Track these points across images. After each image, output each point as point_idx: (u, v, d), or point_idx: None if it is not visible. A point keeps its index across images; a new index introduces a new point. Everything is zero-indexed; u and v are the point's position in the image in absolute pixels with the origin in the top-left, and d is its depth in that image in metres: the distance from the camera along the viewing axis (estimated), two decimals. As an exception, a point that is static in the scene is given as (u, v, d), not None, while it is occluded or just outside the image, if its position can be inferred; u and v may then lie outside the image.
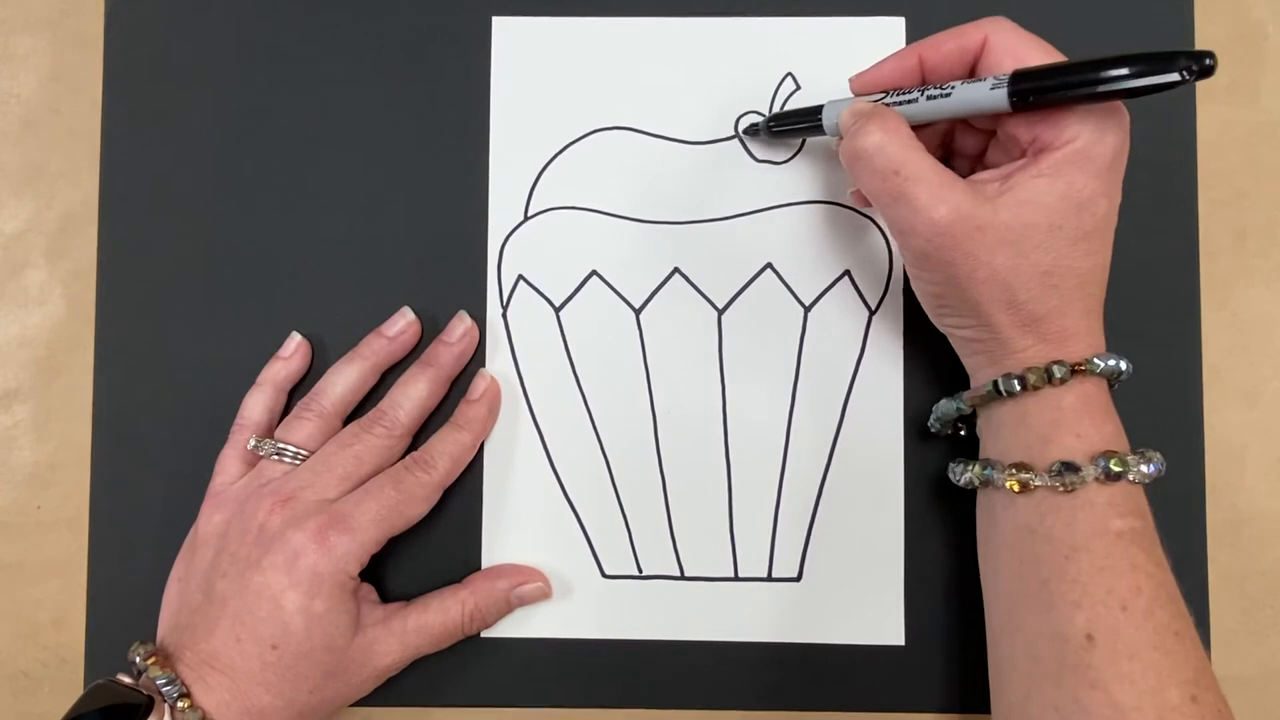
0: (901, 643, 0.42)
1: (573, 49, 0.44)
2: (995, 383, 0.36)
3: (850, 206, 0.43)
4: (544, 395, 0.43)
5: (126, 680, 0.37)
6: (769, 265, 0.43)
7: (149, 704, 0.35)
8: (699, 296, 0.43)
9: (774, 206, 0.43)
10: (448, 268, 0.44)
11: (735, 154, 0.43)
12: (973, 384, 0.38)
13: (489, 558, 0.43)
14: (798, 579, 0.42)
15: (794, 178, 0.43)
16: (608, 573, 0.43)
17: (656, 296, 0.43)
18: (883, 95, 0.37)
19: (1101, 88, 0.32)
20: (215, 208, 0.44)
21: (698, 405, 0.43)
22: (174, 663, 0.37)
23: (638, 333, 0.43)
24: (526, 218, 0.44)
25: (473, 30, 0.44)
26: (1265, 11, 0.44)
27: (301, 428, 0.41)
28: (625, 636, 0.42)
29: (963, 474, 0.38)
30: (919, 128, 0.37)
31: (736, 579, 0.43)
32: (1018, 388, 0.35)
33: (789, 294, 0.43)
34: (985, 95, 0.34)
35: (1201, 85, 0.43)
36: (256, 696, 0.37)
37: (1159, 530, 0.35)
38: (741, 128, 0.43)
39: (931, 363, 0.43)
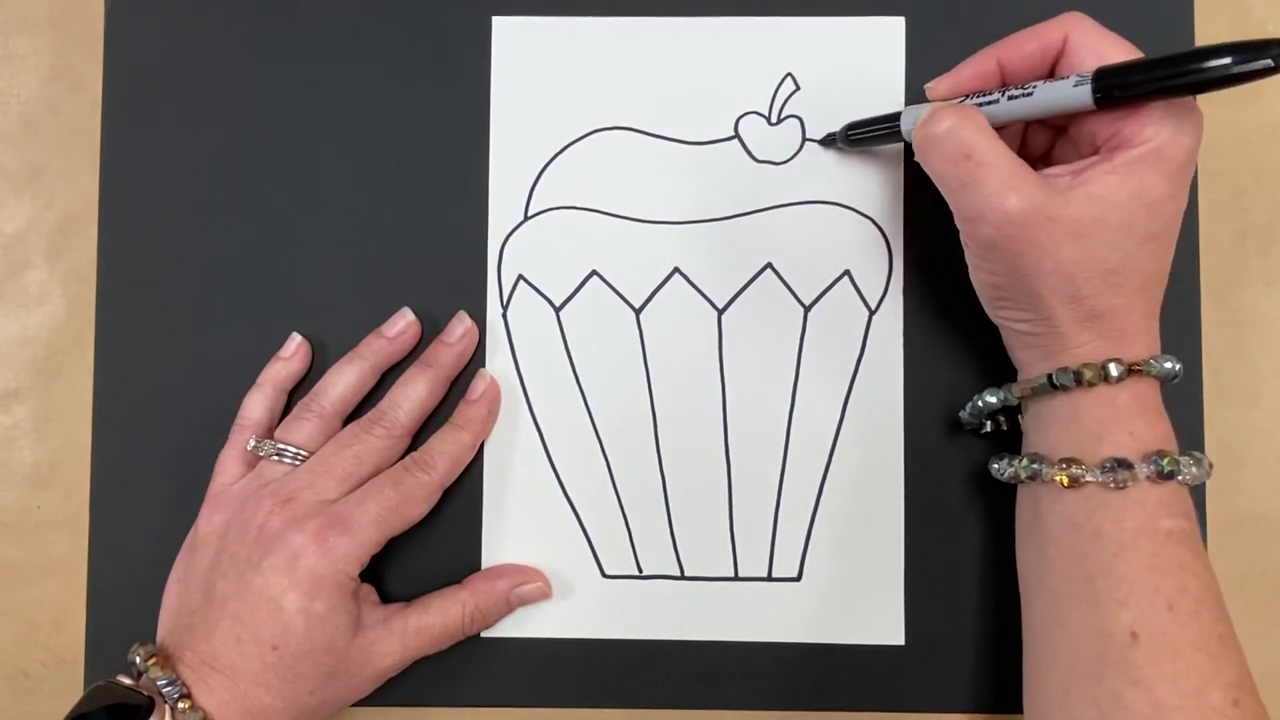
0: (902, 643, 0.42)
1: (573, 49, 0.44)
2: (1049, 376, 0.36)
3: (850, 206, 0.43)
4: (544, 395, 0.43)
5: (127, 681, 0.37)
6: (769, 265, 0.43)
7: (150, 705, 0.35)
8: (699, 296, 0.43)
9: (774, 206, 0.43)
10: (448, 268, 0.44)
11: (735, 154, 0.43)
12: (1021, 377, 0.38)
13: (489, 558, 0.43)
14: (798, 579, 0.42)
15: (794, 178, 0.43)
16: (608, 573, 0.43)
17: (656, 296, 0.43)
18: (961, 99, 0.37)
19: (1188, 79, 0.32)
20: (215, 208, 0.44)
21: (698, 405, 0.43)
22: (174, 663, 0.37)
23: (638, 333, 0.43)
24: (526, 218, 0.44)
25: (473, 30, 0.44)
26: (1265, 11, 0.44)
27: (301, 428, 0.41)
28: (625, 636, 0.42)
29: (1007, 468, 0.38)
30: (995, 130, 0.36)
31: (736, 579, 0.43)
32: (1073, 382, 0.35)
33: (789, 294, 0.43)
34: (1068, 93, 0.34)
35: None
36: (257, 697, 0.37)
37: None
38: (818, 137, 0.43)
39: (931, 363, 0.43)
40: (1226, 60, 0.31)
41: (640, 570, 0.43)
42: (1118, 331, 0.35)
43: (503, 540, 0.43)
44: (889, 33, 0.43)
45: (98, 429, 0.44)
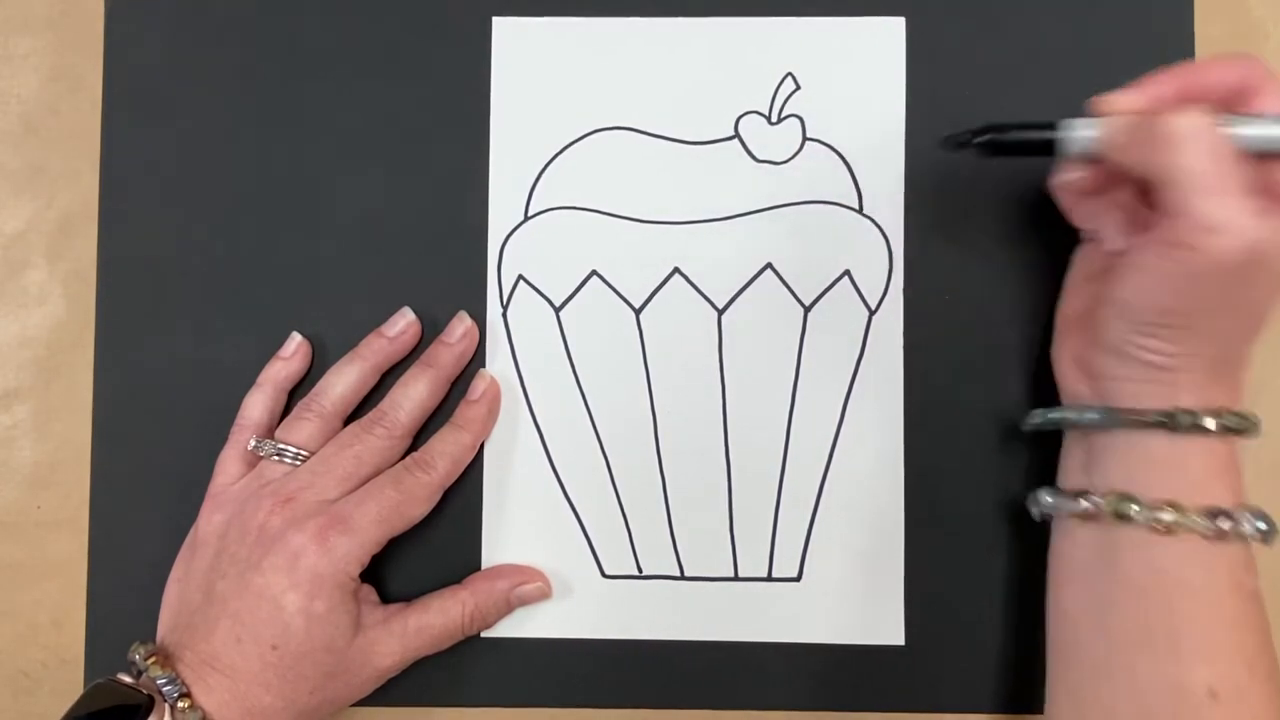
0: (901, 643, 0.42)
1: (573, 49, 0.44)
2: (1172, 414, 0.34)
3: (850, 206, 0.43)
4: (544, 395, 0.43)
5: (127, 680, 0.37)
6: (769, 265, 0.43)
7: (149, 704, 0.35)
8: (699, 296, 0.43)
9: (774, 206, 0.43)
10: (448, 268, 0.44)
11: (735, 154, 0.43)
12: (1121, 405, 0.35)
13: (489, 558, 0.43)
14: (798, 579, 0.42)
15: (794, 178, 0.43)
16: (608, 573, 0.43)
17: (656, 296, 0.43)
18: None
19: None
20: (215, 208, 0.44)
21: (698, 405, 0.43)
22: (174, 663, 0.37)
23: (638, 333, 0.43)
24: (526, 218, 0.44)
25: (473, 30, 0.44)
26: (1265, 11, 0.44)
27: (302, 428, 0.41)
28: (625, 636, 0.42)
29: (1080, 503, 0.36)
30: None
31: (736, 579, 0.43)
32: (1190, 426, 0.34)
33: (789, 294, 0.43)
34: None
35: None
36: (257, 697, 0.37)
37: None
38: (940, 141, 0.39)
39: (931, 363, 0.43)
40: None
41: (640, 570, 0.43)
42: (1233, 382, 0.34)
43: (503, 540, 0.43)
44: (889, 33, 0.43)
45: (98, 429, 0.44)
